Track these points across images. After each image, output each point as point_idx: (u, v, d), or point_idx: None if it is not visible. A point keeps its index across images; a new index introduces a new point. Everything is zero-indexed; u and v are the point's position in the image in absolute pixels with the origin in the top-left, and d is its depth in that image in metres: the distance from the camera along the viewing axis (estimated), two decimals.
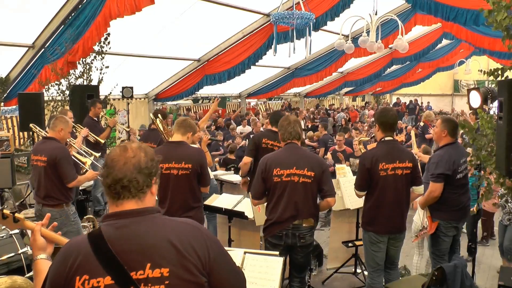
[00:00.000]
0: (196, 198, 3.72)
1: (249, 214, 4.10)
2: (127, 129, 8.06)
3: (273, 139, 4.65)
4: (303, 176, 3.35)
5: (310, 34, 8.08)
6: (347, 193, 4.68)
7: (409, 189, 3.68)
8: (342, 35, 8.80)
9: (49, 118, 5.84)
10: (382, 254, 3.70)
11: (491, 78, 3.74)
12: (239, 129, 11.70)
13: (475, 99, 5.05)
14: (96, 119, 6.67)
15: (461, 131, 4.49)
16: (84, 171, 4.39)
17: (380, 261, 3.72)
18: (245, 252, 2.75)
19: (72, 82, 7.96)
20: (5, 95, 8.29)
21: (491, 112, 4.54)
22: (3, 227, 4.30)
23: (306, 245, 3.43)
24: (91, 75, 8.15)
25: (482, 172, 4.21)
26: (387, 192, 3.58)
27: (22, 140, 9.66)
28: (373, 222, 3.66)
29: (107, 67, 8.23)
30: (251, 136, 9.16)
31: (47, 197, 4.07)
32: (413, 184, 3.67)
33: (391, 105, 21.51)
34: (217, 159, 8.43)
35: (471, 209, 4.45)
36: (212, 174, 5.16)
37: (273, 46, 8.92)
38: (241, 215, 4.13)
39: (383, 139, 3.67)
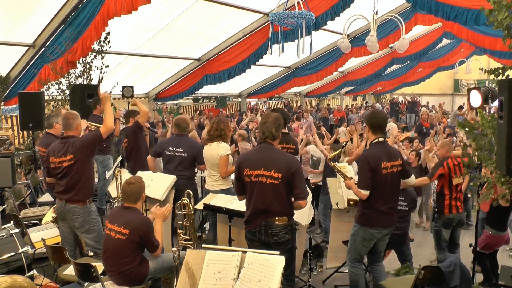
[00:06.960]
0: None
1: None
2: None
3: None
4: (270, 178, 3.34)
5: (310, 34, 8.04)
6: (347, 192, 4.66)
7: (400, 185, 3.91)
8: (340, 34, 8.79)
9: (47, 118, 5.82)
10: (368, 249, 3.96)
11: (492, 77, 3.75)
12: None
13: (476, 99, 5.05)
14: (102, 116, 6.70)
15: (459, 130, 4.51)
16: None
17: (364, 254, 4.02)
18: (245, 252, 2.75)
19: (72, 82, 7.95)
20: (5, 94, 8.30)
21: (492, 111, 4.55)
22: (3, 226, 4.31)
23: (280, 242, 3.38)
24: (91, 74, 8.13)
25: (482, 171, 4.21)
26: (386, 189, 3.76)
27: (22, 140, 9.65)
28: (374, 220, 3.79)
29: (107, 66, 8.21)
30: None
31: (70, 193, 4.12)
32: (405, 177, 3.95)
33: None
34: None
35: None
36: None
37: (273, 46, 8.90)
38: (241, 214, 4.12)
39: (376, 140, 3.82)
